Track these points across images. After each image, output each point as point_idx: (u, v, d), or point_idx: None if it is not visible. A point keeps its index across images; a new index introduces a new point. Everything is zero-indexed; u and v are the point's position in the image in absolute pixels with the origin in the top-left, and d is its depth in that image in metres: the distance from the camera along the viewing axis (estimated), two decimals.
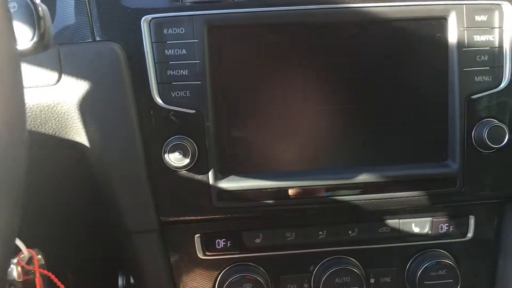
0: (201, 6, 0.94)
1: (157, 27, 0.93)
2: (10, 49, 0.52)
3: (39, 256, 0.96)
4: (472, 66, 0.98)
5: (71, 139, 0.96)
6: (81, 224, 1.14)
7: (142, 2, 0.95)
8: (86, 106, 0.93)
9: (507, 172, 1.03)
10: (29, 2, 0.65)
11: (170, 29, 0.93)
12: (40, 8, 0.65)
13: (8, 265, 0.75)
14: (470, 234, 1.11)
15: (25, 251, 0.93)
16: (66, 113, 0.93)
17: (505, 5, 0.98)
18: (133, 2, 0.95)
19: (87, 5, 0.95)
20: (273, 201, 0.99)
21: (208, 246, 1.07)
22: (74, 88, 0.92)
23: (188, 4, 0.95)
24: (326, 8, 0.96)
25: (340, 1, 0.96)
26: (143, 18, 0.93)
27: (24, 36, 0.64)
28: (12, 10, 0.64)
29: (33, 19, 0.65)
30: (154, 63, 0.93)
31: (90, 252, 1.32)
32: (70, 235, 1.21)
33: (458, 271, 1.08)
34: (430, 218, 1.09)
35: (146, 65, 0.93)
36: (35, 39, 0.65)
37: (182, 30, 0.93)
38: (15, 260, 0.92)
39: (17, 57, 0.54)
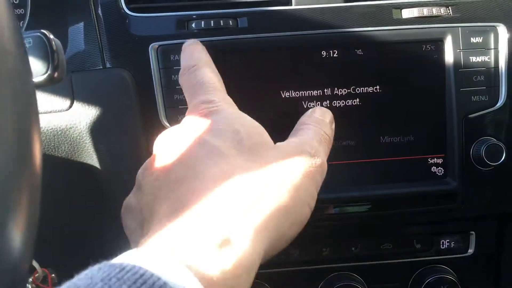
0: (206, 33, 0.97)
1: (164, 54, 0.96)
2: (27, 84, 0.55)
3: (53, 275, 1.00)
4: (469, 86, 1.00)
5: (83, 161, 0.99)
6: (92, 244, 1.17)
7: (149, 30, 0.99)
8: (97, 130, 0.96)
9: (506, 188, 1.05)
10: (43, 37, 0.68)
11: (176, 55, 0.96)
12: (53, 43, 0.69)
13: (25, 286, 0.78)
14: (471, 250, 1.12)
15: (40, 270, 0.97)
16: (78, 137, 0.97)
17: (500, 27, 1.01)
18: (141, 30, 0.99)
19: (97, 34, 0.99)
20: None
21: None
22: (86, 113, 0.96)
23: (194, 31, 0.98)
24: (328, 33, 0.99)
25: (340, 26, 0.99)
26: (150, 45, 0.97)
27: (39, 69, 0.68)
28: (27, 45, 0.68)
29: (47, 53, 0.68)
30: (162, 88, 0.97)
31: None
32: (82, 254, 1.23)
33: (460, 286, 1.10)
34: (431, 234, 1.11)
35: (154, 90, 0.97)
36: (49, 71, 0.68)
37: None
38: (30, 279, 0.96)
39: (34, 91, 0.57)
